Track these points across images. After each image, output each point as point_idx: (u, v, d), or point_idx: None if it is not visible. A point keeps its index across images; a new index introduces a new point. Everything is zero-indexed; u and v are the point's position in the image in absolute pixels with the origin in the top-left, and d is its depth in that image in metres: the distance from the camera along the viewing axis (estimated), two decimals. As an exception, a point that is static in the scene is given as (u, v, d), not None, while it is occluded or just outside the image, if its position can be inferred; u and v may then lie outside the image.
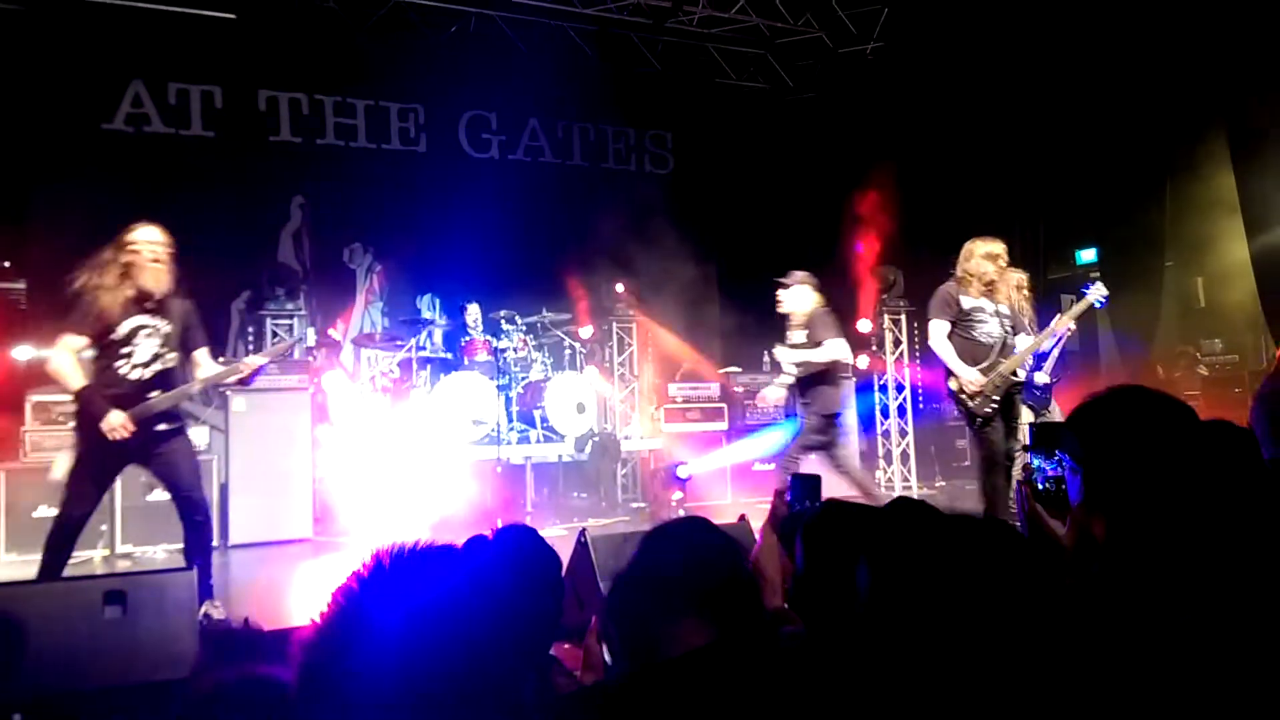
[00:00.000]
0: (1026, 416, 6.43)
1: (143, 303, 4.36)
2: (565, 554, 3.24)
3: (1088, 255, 9.73)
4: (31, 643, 3.04)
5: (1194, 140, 8.59)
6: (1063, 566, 1.88)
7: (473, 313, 8.63)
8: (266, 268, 8.70)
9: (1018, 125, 9.50)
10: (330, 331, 9.38)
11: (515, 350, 8.35)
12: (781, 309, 6.43)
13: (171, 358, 4.46)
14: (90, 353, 4.36)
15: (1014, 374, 5.51)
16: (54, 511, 4.32)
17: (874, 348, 10.01)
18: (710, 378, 9.52)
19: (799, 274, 6.43)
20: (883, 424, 9.86)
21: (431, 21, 9.85)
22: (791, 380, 6.35)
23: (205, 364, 4.61)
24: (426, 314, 9.46)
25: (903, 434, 9.79)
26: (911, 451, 9.74)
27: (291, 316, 8.26)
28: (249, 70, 9.22)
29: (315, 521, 7.32)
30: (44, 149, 8.24)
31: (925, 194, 9.63)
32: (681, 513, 7.05)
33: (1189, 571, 1.56)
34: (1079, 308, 5.94)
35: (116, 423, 4.17)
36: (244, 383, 4.81)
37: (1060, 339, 6.15)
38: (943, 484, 9.88)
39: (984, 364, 5.41)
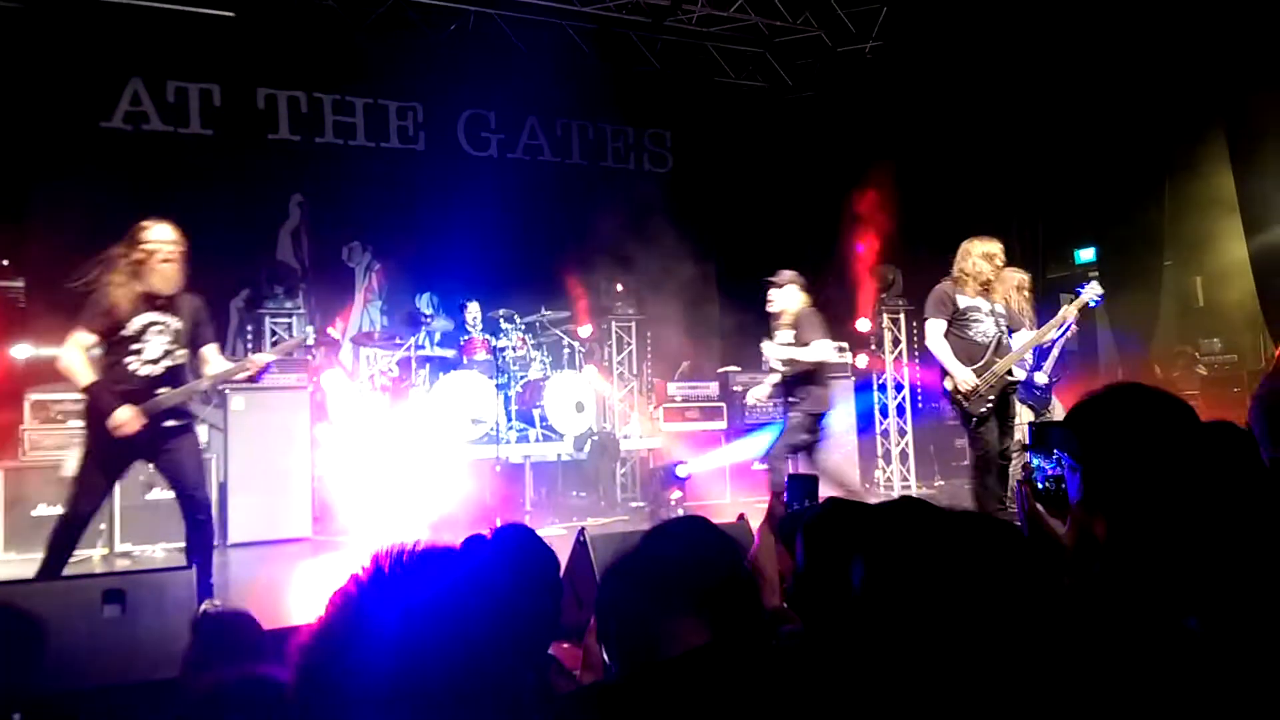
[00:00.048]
0: (1027, 416, 6.44)
1: (153, 299, 4.37)
2: (564, 553, 3.25)
3: (1086, 254, 9.72)
4: (31, 642, 3.03)
5: (1193, 139, 8.58)
6: (1063, 566, 1.88)
7: (472, 311, 8.63)
8: (265, 266, 8.68)
9: (1016, 124, 9.49)
10: (329, 330, 9.37)
11: (514, 349, 8.35)
12: (771, 308, 6.45)
13: (181, 354, 4.47)
14: (99, 350, 4.36)
15: (1009, 373, 5.51)
16: (53, 510, 4.33)
17: (873, 347, 10.00)
18: (709, 377, 9.52)
19: (788, 273, 6.48)
20: (882, 423, 9.86)
21: (430, 20, 9.84)
22: (779, 378, 6.37)
23: (214, 361, 4.62)
24: (426, 313, 9.46)
25: (902, 433, 9.79)
26: (910, 451, 9.74)
27: (290, 315, 8.25)
28: (248, 68, 9.21)
29: (314, 520, 7.32)
30: (43, 147, 8.21)
31: (924, 193, 9.62)
32: (680, 512, 7.05)
33: (1189, 571, 1.56)
34: (1076, 304, 5.93)
35: (125, 418, 4.18)
36: (253, 380, 4.82)
37: (1065, 330, 6.11)
38: (942, 483, 9.87)
39: (979, 363, 5.42)
